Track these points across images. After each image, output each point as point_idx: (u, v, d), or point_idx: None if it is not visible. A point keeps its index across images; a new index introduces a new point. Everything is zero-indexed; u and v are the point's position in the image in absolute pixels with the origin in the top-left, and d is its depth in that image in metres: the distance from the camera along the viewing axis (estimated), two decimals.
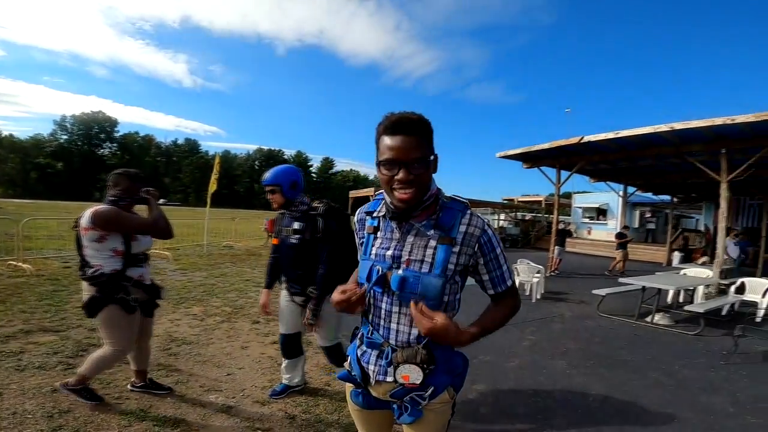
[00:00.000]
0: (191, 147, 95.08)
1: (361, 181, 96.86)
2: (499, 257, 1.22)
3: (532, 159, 11.70)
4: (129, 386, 2.82)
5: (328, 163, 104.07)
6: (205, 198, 12.48)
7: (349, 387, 1.37)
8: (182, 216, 18.85)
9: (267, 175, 2.60)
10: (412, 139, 1.10)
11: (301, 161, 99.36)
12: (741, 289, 7.05)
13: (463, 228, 1.17)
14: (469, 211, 1.20)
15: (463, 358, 1.31)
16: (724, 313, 6.57)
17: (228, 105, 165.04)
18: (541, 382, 3.61)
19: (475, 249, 1.18)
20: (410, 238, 1.19)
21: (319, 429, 2.55)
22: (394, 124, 1.10)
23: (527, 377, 3.70)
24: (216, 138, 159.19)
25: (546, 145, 10.27)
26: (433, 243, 1.16)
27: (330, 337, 2.71)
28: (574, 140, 9.51)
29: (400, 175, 1.09)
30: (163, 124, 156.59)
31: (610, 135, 8.84)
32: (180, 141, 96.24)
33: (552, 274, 10.62)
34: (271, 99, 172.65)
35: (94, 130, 79.99)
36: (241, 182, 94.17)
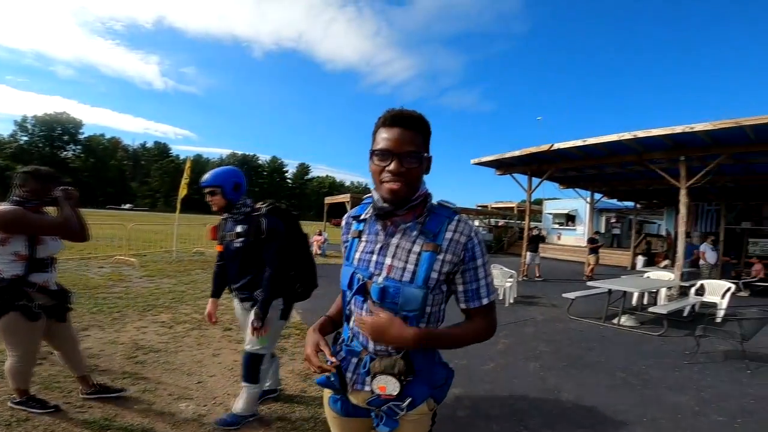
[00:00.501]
0: (161, 150, 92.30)
1: (336, 188, 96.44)
2: (479, 269, 1.16)
3: (504, 166, 11.96)
4: (80, 395, 2.68)
5: (303, 169, 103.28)
6: (174, 203, 12.12)
7: (327, 393, 1.32)
8: (150, 221, 18.21)
9: (207, 176, 2.46)
10: (408, 132, 1.09)
11: (276, 166, 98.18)
12: (701, 291, 7.41)
13: (449, 234, 1.13)
14: (457, 217, 1.16)
15: (447, 370, 1.26)
16: (685, 314, 6.88)
17: (201, 108, 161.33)
18: (515, 384, 3.65)
19: (461, 257, 1.14)
20: (395, 240, 1.16)
21: None
22: (393, 117, 1.10)
23: (502, 380, 3.74)
24: (187, 141, 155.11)
25: (518, 153, 10.52)
26: (417, 248, 1.13)
27: (259, 343, 2.45)
28: (544, 148, 9.79)
29: (392, 167, 1.07)
30: (132, 127, 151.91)
31: (578, 143, 9.16)
32: (149, 144, 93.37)
33: (525, 279, 10.82)
34: (247, 103, 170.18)
35: (57, 132, 76.37)
36: None
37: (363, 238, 1.23)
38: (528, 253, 11.26)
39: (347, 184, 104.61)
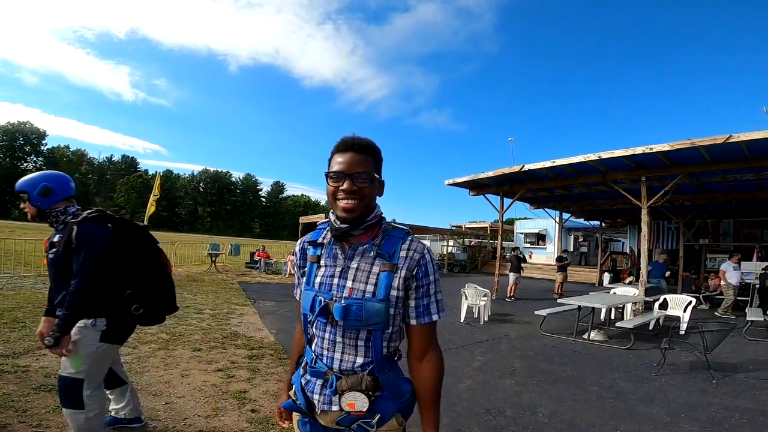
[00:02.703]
0: (128, 165, 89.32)
1: (311, 207, 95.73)
2: (431, 285, 1.21)
3: (478, 187, 12.26)
4: None
5: (278, 188, 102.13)
6: (141, 220, 11.73)
7: (295, 416, 1.33)
8: None
9: (19, 180, 2.24)
10: (359, 155, 1.18)
11: (249, 184, 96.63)
12: (664, 305, 7.72)
13: (403, 253, 1.20)
14: (410, 237, 1.24)
15: (411, 385, 1.28)
16: (651, 327, 7.14)
17: (172, 122, 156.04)
18: (492, 401, 3.65)
19: (413, 272, 1.19)
20: (354, 264, 1.20)
21: None
22: (346, 144, 1.20)
23: (479, 397, 3.74)
24: (156, 156, 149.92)
25: (491, 173, 10.83)
26: (376, 269, 1.18)
27: (72, 367, 2.13)
28: (516, 168, 10.12)
29: (345, 185, 1.14)
30: (98, 139, 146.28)
31: (547, 164, 9.54)
32: (116, 158, 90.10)
33: (509, 299, 10.93)
34: (220, 118, 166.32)
35: (18, 142, 72.87)
36: (183, 204, 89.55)
37: (322, 263, 1.26)
38: (511, 274, 11.34)
39: (322, 203, 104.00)
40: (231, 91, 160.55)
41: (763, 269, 9.46)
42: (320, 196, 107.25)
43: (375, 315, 1.14)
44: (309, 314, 1.22)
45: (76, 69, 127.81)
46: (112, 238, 2.18)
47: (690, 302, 7.33)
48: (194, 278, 10.90)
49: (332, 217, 1.22)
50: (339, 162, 1.17)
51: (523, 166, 9.97)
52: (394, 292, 1.17)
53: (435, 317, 1.22)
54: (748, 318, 7.25)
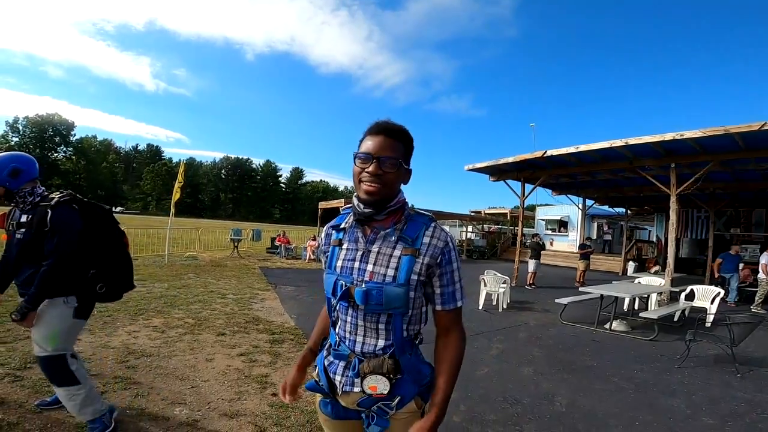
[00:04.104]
0: (153, 153, 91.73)
1: (330, 193, 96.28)
2: (455, 273, 1.24)
3: (498, 172, 12.07)
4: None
5: (297, 174, 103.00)
6: (166, 207, 12.06)
7: (317, 397, 1.37)
8: (142, 225, 18.03)
9: None
10: (390, 140, 1.18)
11: (269, 171, 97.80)
12: (690, 296, 7.50)
13: (426, 239, 1.20)
14: (433, 224, 1.24)
15: (431, 368, 1.31)
16: (675, 319, 6.96)
17: (192, 111, 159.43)
18: (510, 389, 3.66)
19: (438, 260, 1.20)
20: (375, 247, 1.21)
21: None
22: (378, 127, 1.19)
23: (497, 385, 3.75)
24: (179, 144, 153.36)
25: (511, 159, 10.63)
26: (397, 253, 1.19)
27: (49, 345, 2.22)
28: (537, 154, 9.90)
29: (371, 168, 1.15)
30: (123, 129, 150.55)
31: (571, 149, 9.28)
32: (141, 147, 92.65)
33: (528, 287, 10.83)
34: (239, 105, 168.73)
35: (48, 133, 75.45)
36: (206, 191, 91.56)
37: (344, 246, 1.28)
38: (531, 261, 11.22)
39: (341, 189, 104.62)
40: (249, 79, 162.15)
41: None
42: (339, 182, 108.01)
43: (395, 299, 1.16)
44: (331, 298, 1.25)
45: (98, 61, 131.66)
46: (83, 223, 2.28)
47: (718, 293, 7.10)
48: (218, 263, 11.19)
49: (355, 200, 1.23)
50: (368, 144, 1.17)
51: (546, 151, 9.73)
52: (414, 277, 1.18)
53: (459, 303, 1.25)
54: None
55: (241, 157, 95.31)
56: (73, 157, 76.89)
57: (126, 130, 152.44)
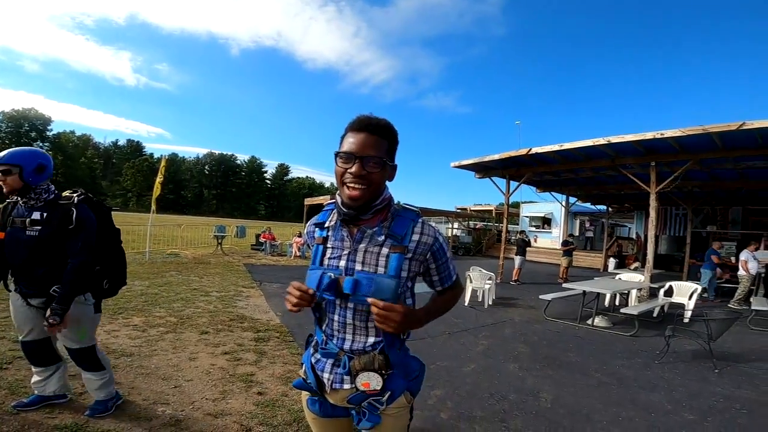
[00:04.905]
0: (134, 149, 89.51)
1: (316, 189, 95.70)
2: (449, 260, 1.29)
3: (484, 169, 12.14)
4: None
5: (283, 170, 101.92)
6: (147, 203, 11.82)
7: (304, 395, 1.35)
8: (122, 222, 17.62)
9: (3, 153, 2.21)
10: (373, 138, 1.14)
11: (254, 167, 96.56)
12: (669, 292, 7.69)
13: (416, 237, 1.19)
14: (420, 220, 1.23)
15: (419, 363, 1.33)
16: (655, 314, 7.13)
17: (175, 106, 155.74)
18: (496, 385, 3.69)
19: (427, 256, 1.22)
20: (362, 246, 1.18)
21: None
22: (360, 122, 1.15)
23: (483, 381, 3.77)
24: (161, 140, 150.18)
25: (497, 156, 10.70)
26: (385, 251, 1.17)
27: (79, 338, 2.39)
28: (522, 152, 9.99)
29: (353, 169, 1.11)
30: (102, 124, 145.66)
31: (555, 147, 9.39)
32: (121, 142, 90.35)
33: (513, 283, 10.96)
34: (223, 101, 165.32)
35: (24, 128, 72.76)
36: (189, 187, 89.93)
37: (329, 245, 1.24)
38: (516, 257, 11.38)
39: (327, 185, 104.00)
40: (233, 75, 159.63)
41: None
42: (325, 178, 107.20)
43: (385, 289, 1.14)
44: (316, 292, 1.20)
45: (76, 55, 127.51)
46: (97, 221, 2.37)
47: (695, 290, 7.29)
48: (201, 261, 11.01)
49: (339, 200, 1.20)
50: (351, 142, 1.13)
51: (530, 149, 9.83)
52: (404, 273, 1.18)
53: (454, 277, 1.33)
54: (753, 307, 7.21)
55: (225, 153, 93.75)
56: (50, 152, 73.79)
57: (105, 126, 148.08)
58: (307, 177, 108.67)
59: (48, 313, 2.15)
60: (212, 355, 3.81)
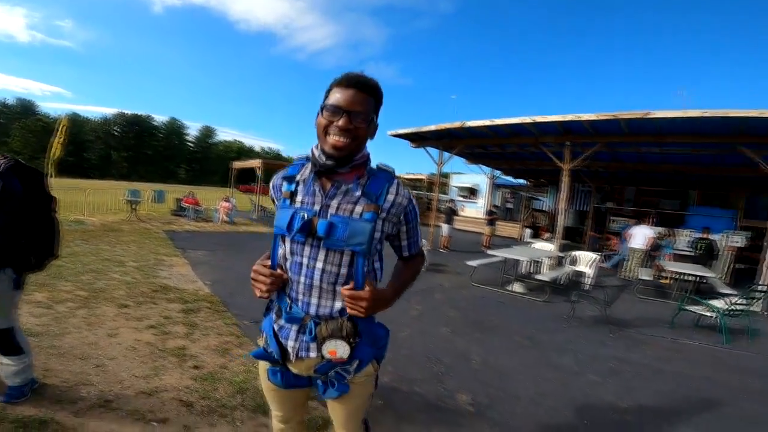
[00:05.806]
0: (25, 108, 76.11)
1: (245, 153, 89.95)
2: (418, 225, 1.32)
3: (419, 139, 12.33)
4: None
5: (207, 132, 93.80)
6: (40, 166, 10.34)
7: (263, 366, 1.29)
8: None
9: None
10: (362, 95, 1.13)
11: (174, 128, 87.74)
12: (574, 261, 8.63)
13: (391, 197, 1.19)
14: (396, 181, 1.23)
15: (385, 329, 1.33)
16: (562, 282, 7.98)
17: (79, 64, 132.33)
18: (430, 348, 3.91)
19: (401, 218, 1.23)
20: (335, 202, 1.15)
21: (223, 414, 2.37)
22: (350, 79, 1.13)
23: (418, 345, 3.98)
24: (58, 98, 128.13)
25: (434, 127, 10.91)
26: (359, 209, 1.15)
27: None
28: (457, 124, 10.28)
29: (341, 122, 1.10)
30: None
31: (487, 122, 9.80)
32: (10, 101, 76.41)
33: (442, 250, 11.45)
34: (141, 61, 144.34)
35: None
36: (93, 149, 79.66)
37: (297, 199, 1.19)
38: (444, 225, 11.88)
39: (257, 149, 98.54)
40: (154, 33, 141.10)
41: (656, 234, 10.68)
42: (255, 142, 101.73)
43: (360, 233, 1.12)
44: (286, 233, 1.16)
45: None
46: (22, 191, 2.07)
47: (594, 259, 8.25)
48: (111, 228, 9.94)
49: (317, 152, 1.16)
50: (338, 97, 1.12)
51: (464, 123, 10.14)
52: (377, 234, 1.17)
53: (420, 245, 1.38)
54: (639, 277, 8.36)
55: (139, 113, 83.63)
56: None
57: None
58: (235, 140, 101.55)
59: None
60: (136, 330, 3.53)
